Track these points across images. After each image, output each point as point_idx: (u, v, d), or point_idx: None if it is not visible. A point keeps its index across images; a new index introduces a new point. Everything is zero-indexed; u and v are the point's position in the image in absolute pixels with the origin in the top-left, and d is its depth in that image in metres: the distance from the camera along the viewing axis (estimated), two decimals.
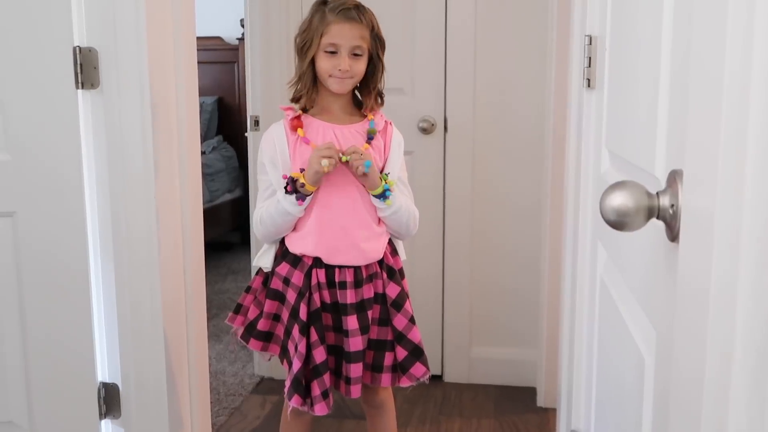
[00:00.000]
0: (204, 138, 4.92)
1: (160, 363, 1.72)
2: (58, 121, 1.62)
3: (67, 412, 1.68)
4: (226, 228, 4.74)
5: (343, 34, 1.56)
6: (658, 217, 0.67)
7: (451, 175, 2.66)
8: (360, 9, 1.59)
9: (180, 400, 1.84)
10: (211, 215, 4.45)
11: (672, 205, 0.66)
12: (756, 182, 0.51)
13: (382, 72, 1.65)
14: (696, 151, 0.61)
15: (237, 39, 4.90)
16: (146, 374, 1.72)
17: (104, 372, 1.73)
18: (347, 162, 1.53)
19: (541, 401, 2.51)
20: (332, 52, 1.57)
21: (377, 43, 1.61)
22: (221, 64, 5.07)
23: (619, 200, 0.66)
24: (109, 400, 1.72)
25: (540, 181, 2.54)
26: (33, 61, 1.59)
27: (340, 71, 1.56)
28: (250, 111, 2.70)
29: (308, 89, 1.62)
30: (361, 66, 1.59)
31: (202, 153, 4.64)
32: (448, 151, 2.66)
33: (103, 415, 1.72)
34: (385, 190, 1.57)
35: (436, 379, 2.73)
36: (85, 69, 1.61)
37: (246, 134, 2.81)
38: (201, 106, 4.91)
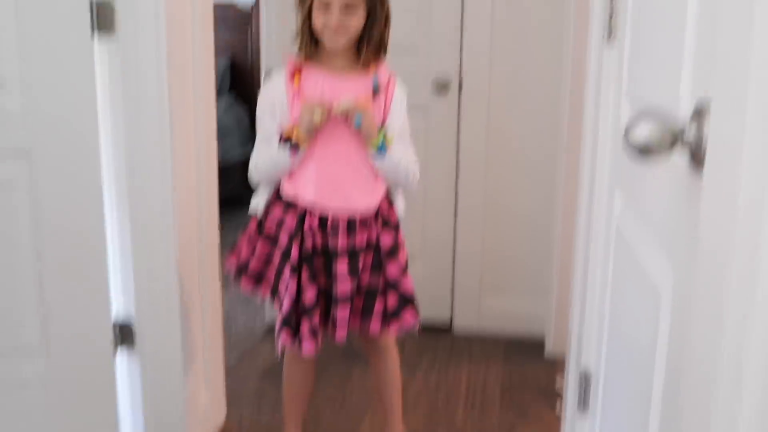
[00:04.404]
0: (216, 97, 4.90)
1: (174, 301, 1.75)
2: (73, 67, 1.61)
3: (83, 345, 1.72)
4: (239, 185, 4.75)
5: None
6: (683, 143, 0.68)
7: (465, 134, 2.65)
8: None
9: (194, 339, 1.87)
10: (223, 173, 4.45)
11: (698, 133, 0.67)
12: None
13: (385, 26, 1.64)
14: (725, 78, 0.61)
15: (250, 6, 4.89)
16: (160, 312, 1.75)
17: (119, 309, 1.76)
18: (341, 114, 1.54)
19: (549, 353, 2.55)
20: (326, 4, 1.56)
21: None
22: (234, 29, 5.05)
23: (645, 127, 0.67)
24: (124, 336, 1.76)
25: (556, 137, 2.54)
26: (49, 5, 1.58)
27: (332, 26, 1.56)
28: (265, 64, 2.69)
29: (306, 42, 1.63)
30: (354, 21, 1.58)
31: None
32: (462, 110, 2.65)
33: (118, 350, 1.75)
34: (381, 145, 1.58)
35: (446, 329, 2.77)
36: (101, 15, 1.60)
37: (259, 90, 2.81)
38: None
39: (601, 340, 1.35)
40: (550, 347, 2.55)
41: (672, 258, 0.80)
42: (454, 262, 2.74)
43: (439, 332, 2.75)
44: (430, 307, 2.72)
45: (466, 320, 2.76)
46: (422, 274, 2.65)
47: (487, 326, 2.74)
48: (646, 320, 0.91)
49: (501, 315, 2.73)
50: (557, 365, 2.40)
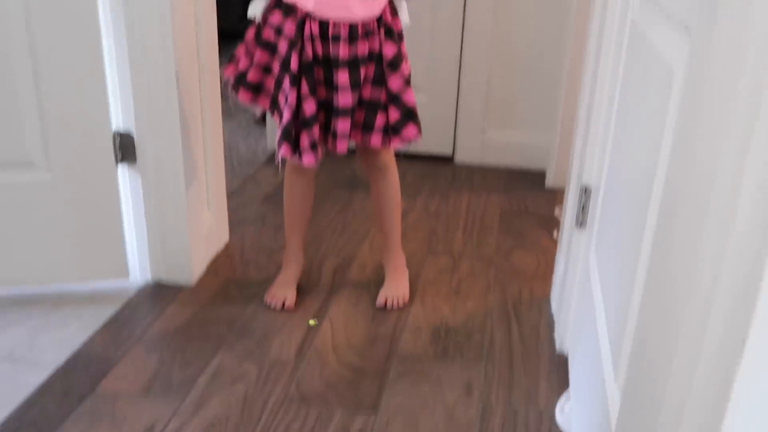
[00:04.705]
0: None
1: (174, 115, 1.72)
2: None
3: (84, 156, 1.71)
4: (237, 16, 4.58)
5: None
6: None
7: None
8: None
9: (195, 157, 1.86)
10: (221, 2, 4.27)
11: None
12: None
13: None
14: None
15: None
16: (161, 123, 1.73)
17: (119, 120, 1.73)
18: None
19: (550, 183, 2.56)
20: None
21: None
22: None
23: None
24: (125, 147, 1.74)
25: None
26: None
27: None
28: None
29: None
30: None
31: None
32: None
33: (119, 161, 1.75)
34: None
35: (448, 159, 2.76)
36: None
37: None
38: None
39: (605, 152, 1.33)
40: (551, 179, 2.56)
41: (689, 29, 0.76)
42: (458, 93, 2.68)
43: (440, 162, 2.75)
44: (433, 138, 2.70)
45: (468, 152, 2.75)
46: (426, 105, 2.61)
47: (489, 158, 2.74)
48: (656, 107, 0.88)
49: (504, 147, 2.72)
50: (557, 196, 2.42)
